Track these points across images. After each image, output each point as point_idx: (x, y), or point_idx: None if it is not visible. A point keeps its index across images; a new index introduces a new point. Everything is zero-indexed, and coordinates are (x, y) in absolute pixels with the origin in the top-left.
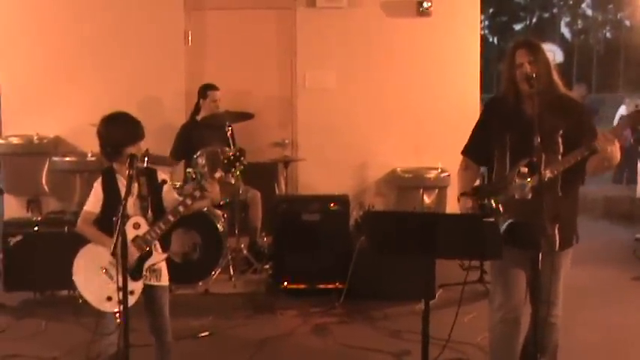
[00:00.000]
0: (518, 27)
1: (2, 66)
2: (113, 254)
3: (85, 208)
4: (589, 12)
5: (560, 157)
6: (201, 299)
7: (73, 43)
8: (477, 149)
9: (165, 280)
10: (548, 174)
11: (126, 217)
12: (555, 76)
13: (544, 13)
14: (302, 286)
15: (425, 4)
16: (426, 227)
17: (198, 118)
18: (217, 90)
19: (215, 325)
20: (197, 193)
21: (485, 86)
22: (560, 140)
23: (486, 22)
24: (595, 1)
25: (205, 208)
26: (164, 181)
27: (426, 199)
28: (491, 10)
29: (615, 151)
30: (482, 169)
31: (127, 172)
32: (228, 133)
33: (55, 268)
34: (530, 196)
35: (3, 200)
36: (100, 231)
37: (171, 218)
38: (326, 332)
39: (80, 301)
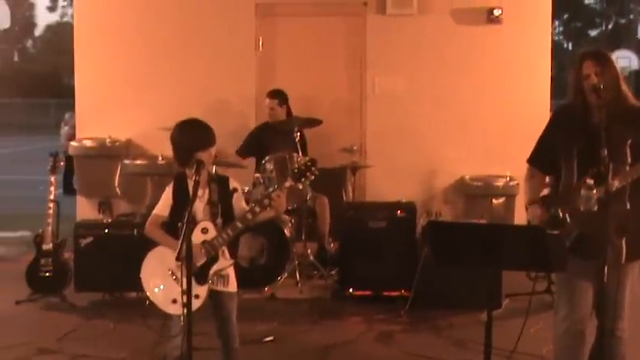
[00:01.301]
0: (593, 33)
1: (77, 71)
2: (178, 258)
3: (155, 211)
4: None
5: (628, 167)
6: (267, 304)
7: (146, 48)
8: (543, 158)
9: (232, 287)
10: (615, 184)
11: (193, 222)
12: (624, 87)
13: (620, 19)
14: (367, 293)
15: (495, 12)
16: (489, 239)
17: (271, 121)
18: (273, 98)
19: (280, 330)
20: (266, 202)
21: (558, 92)
22: (628, 151)
23: (561, 28)
24: None
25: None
26: (235, 189)
27: (495, 208)
28: (566, 16)
29: None
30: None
31: (194, 177)
32: (297, 139)
33: (124, 269)
34: (595, 208)
35: (76, 202)
36: (167, 234)
37: (239, 225)
38: (390, 340)
39: (147, 302)
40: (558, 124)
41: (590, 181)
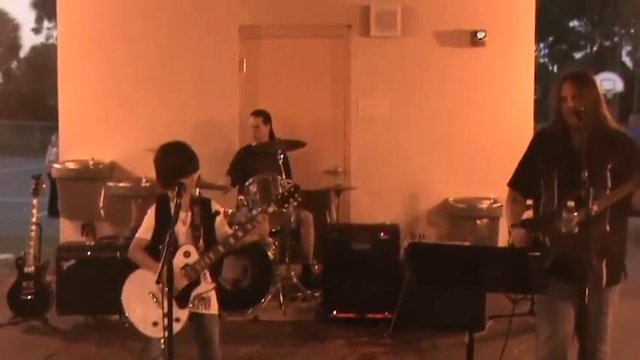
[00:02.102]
0: (578, 55)
1: (61, 93)
2: (158, 281)
3: (137, 235)
4: None
5: (608, 191)
6: (251, 326)
7: (130, 70)
8: (524, 182)
9: (214, 309)
10: (595, 208)
11: (174, 246)
12: (604, 110)
13: (605, 42)
14: (351, 315)
15: (479, 34)
16: (470, 261)
17: (253, 144)
18: (257, 116)
19: (263, 352)
20: (249, 226)
21: (542, 115)
22: (608, 175)
23: (546, 51)
24: None
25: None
26: (217, 212)
27: (479, 230)
28: (551, 39)
29: None
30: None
31: (175, 200)
32: (280, 161)
33: (107, 292)
34: (576, 230)
35: (59, 224)
36: (150, 257)
37: (221, 249)
38: None
39: (127, 325)
40: (539, 147)
41: (571, 204)
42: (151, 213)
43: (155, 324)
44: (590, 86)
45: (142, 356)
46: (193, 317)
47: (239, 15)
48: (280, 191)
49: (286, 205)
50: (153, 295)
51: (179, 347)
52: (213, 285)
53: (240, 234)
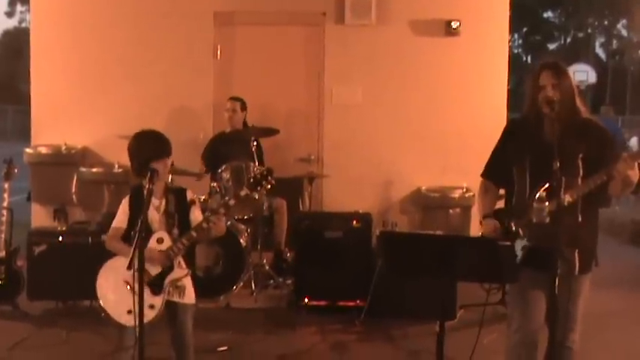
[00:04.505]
0: (552, 46)
1: (33, 77)
2: (129, 267)
3: (113, 224)
4: (624, 33)
5: (579, 180)
6: (222, 313)
7: (104, 55)
8: (497, 171)
9: (189, 299)
10: (567, 198)
11: (146, 232)
12: (578, 102)
13: (579, 33)
14: (323, 303)
15: (453, 24)
16: (441, 250)
17: (227, 131)
18: (235, 101)
19: (234, 339)
20: (222, 211)
21: (515, 105)
22: (580, 164)
23: (520, 41)
24: (631, 22)
25: (229, 222)
26: (193, 201)
27: (451, 219)
28: (525, 29)
29: (634, 175)
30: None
31: (148, 185)
32: (254, 148)
33: (78, 278)
34: (548, 220)
35: (30, 208)
36: (125, 245)
37: (194, 234)
38: (344, 350)
39: (103, 314)
40: (511, 136)
41: (543, 194)
42: (125, 202)
43: (129, 312)
44: (566, 77)
45: (119, 344)
46: (168, 305)
47: (213, 1)
48: (252, 175)
49: (259, 188)
50: (127, 282)
51: (153, 334)
52: (188, 271)
53: (213, 218)
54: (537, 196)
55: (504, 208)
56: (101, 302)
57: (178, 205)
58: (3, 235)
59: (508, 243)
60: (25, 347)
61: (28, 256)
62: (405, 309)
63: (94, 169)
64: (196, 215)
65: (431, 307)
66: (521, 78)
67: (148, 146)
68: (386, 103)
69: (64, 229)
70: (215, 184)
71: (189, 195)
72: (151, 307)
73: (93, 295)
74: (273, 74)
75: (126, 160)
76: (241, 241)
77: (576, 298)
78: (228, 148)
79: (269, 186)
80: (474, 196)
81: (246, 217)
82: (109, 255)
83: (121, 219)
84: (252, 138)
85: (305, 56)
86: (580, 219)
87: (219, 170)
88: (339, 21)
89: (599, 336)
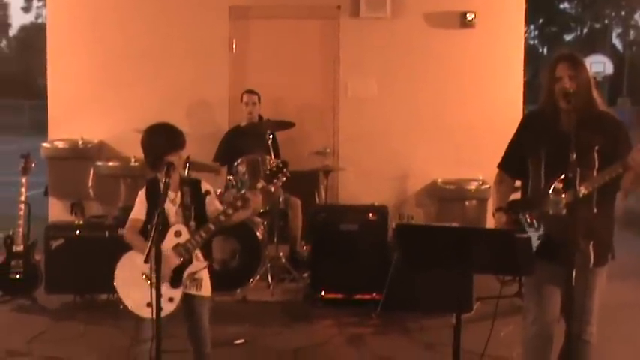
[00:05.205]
0: (568, 37)
1: (50, 72)
2: (146, 260)
3: (131, 216)
4: None
5: (595, 173)
6: (239, 306)
7: (119, 50)
8: (513, 163)
9: (206, 291)
10: (582, 190)
11: (163, 226)
12: (594, 93)
13: (595, 24)
14: (339, 296)
15: (469, 16)
16: (457, 242)
17: (242, 125)
18: (253, 94)
19: (251, 332)
20: (239, 203)
21: (532, 97)
22: (596, 156)
23: (536, 32)
24: None
25: None
26: (208, 192)
27: (467, 211)
28: (541, 21)
29: None
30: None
31: (164, 179)
32: (269, 142)
33: (95, 271)
34: (564, 212)
35: (48, 203)
36: (142, 238)
37: (212, 227)
38: (361, 342)
39: (121, 307)
40: (527, 127)
41: (559, 186)
42: (141, 194)
43: (149, 304)
44: (583, 68)
45: (136, 337)
46: (185, 298)
47: None
48: (268, 168)
49: (275, 180)
50: (145, 275)
51: (171, 326)
52: (206, 263)
53: (230, 211)
54: (553, 187)
55: (519, 199)
56: (120, 295)
57: (194, 197)
58: (21, 230)
59: (525, 235)
60: (43, 340)
61: (46, 250)
62: (422, 301)
63: (111, 164)
64: (216, 205)
65: (447, 300)
66: (537, 70)
67: (161, 140)
68: (401, 95)
69: (81, 223)
70: (231, 177)
71: (204, 186)
72: (170, 299)
73: (110, 288)
74: (288, 68)
75: (142, 155)
76: (257, 234)
77: (592, 291)
78: (244, 142)
79: (284, 179)
80: (489, 188)
81: (262, 211)
82: (126, 249)
83: (138, 210)
84: (268, 131)
85: (320, 49)
86: (596, 211)
87: (235, 164)
88: (354, 14)
89: (616, 328)
